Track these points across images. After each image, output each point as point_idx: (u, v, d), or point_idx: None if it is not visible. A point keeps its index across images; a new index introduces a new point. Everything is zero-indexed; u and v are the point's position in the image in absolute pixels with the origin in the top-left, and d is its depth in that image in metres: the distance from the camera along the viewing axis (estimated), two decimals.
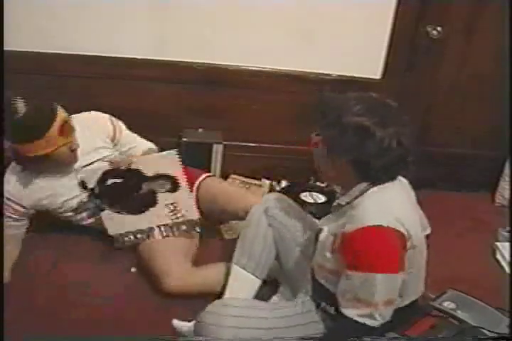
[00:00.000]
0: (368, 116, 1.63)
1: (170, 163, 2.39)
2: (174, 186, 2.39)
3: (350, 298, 1.68)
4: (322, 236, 1.81)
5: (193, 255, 2.35)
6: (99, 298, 2.20)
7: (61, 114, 2.17)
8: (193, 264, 2.28)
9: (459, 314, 2.05)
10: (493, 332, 1.94)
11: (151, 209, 2.37)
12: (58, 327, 2.06)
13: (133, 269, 2.37)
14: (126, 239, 2.34)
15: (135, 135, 2.55)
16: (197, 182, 2.51)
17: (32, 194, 2.30)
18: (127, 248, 2.37)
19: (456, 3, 2.69)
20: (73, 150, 2.26)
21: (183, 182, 2.39)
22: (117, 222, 2.34)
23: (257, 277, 2.08)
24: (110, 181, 2.34)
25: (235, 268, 2.08)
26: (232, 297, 2.03)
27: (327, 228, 1.80)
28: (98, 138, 2.39)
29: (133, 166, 2.35)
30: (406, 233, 1.65)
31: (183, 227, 2.37)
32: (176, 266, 2.21)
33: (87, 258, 2.40)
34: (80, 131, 2.27)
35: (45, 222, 2.43)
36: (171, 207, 2.37)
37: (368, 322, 1.68)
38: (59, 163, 2.27)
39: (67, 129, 2.18)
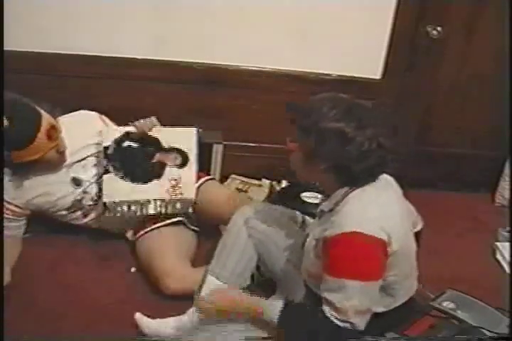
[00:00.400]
0: (345, 120, 1.60)
1: (188, 138, 2.42)
2: (184, 162, 2.40)
3: (325, 299, 1.67)
4: (307, 241, 1.82)
5: (192, 255, 2.36)
6: (98, 298, 2.20)
7: (46, 118, 2.16)
8: (192, 264, 2.28)
9: (459, 314, 2.05)
10: (492, 332, 1.95)
11: (154, 180, 2.36)
12: (58, 327, 2.05)
13: (133, 269, 2.37)
14: (118, 208, 2.31)
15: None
16: (196, 185, 2.49)
17: (24, 193, 2.28)
18: (118, 217, 2.34)
19: (456, 3, 2.69)
20: (61, 153, 2.25)
21: (194, 159, 2.41)
22: (116, 189, 2.31)
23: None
24: (126, 143, 2.34)
25: (209, 278, 2.07)
26: None
27: (312, 233, 1.81)
28: (88, 135, 2.39)
29: (154, 135, 2.37)
30: (386, 239, 1.62)
31: (178, 205, 2.36)
32: (176, 266, 2.21)
33: (86, 258, 2.40)
34: (69, 129, 2.27)
35: (44, 223, 2.42)
36: (173, 183, 2.36)
37: (339, 322, 1.65)
38: (48, 166, 2.26)
39: (54, 133, 2.17)
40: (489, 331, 1.95)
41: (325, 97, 1.69)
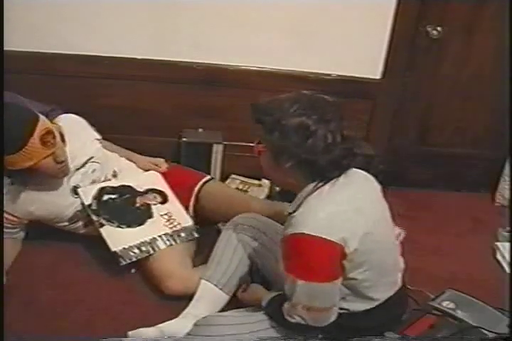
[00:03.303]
0: (306, 114, 1.62)
1: (155, 178, 2.49)
2: (164, 198, 2.43)
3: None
4: None
5: (192, 255, 2.36)
6: (99, 299, 2.20)
7: (43, 122, 2.07)
8: (192, 264, 2.28)
9: (459, 314, 2.06)
10: (492, 332, 1.95)
11: (149, 220, 2.36)
12: (58, 327, 2.05)
13: (133, 270, 2.36)
14: (131, 253, 2.26)
15: None
16: (197, 186, 2.49)
17: (24, 205, 2.24)
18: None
19: (456, 3, 2.68)
20: (60, 163, 2.15)
21: (170, 194, 2.45)
22: (119, 237, 2.29)
23: (221, 289, 2.08)
24: (106, 197, 2.35)
25: (201, 281, 2.10)
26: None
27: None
28: (84, 141, 2.37)
29: (124, 183, 2.41)
30: (338, 240, 1.63)
31: (183, 234, 2.35)
32: (178, 267, 2.21)
33: (86, 259, 2.39)
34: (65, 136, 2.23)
35: (44, 224, 2.41)
36: (166, 217, 2.38)
37: (287, 316, 1.76)
38: (47, 176, 2.19)
39: (50, 139, 2.06)
40: (489, 331, 1.95)
41: (286, 96, 1.71)
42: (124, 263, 2.24)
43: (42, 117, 2.10)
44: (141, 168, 2.53)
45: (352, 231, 1.66)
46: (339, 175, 1.70)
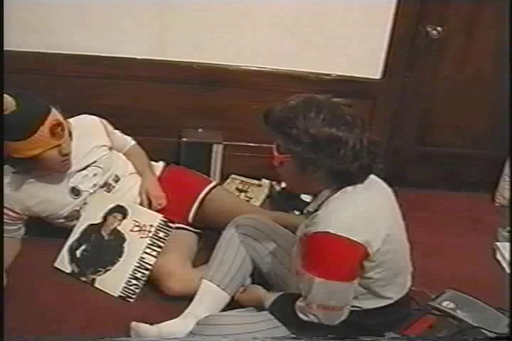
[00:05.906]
0: (336, 124, 1.61)
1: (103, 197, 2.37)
2: (123, 211, 2.33)
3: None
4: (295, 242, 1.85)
5: (193, 255, 2.35)
6: (99, 299, 2.20)
7: (55, 113, 2.10)
8: (192, 264, 2.28)
9: (459, 314, 2.06)
10: (492, 331, 1.95)
11: (125, 244, 2.27)
12: (58, 327, 2.05)
13: None
14: (132, 288, 2.21)
15: (117, 131, 2.51)
16: (203, 193, 2.47)
17: (23, 200, 2.25)
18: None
19: (456, 3, 2.69)
20: (64, 155, 2.16)
21: (123, 202, 2.35)
22: (112, 281, 2.23)
23: (223, 289, 2.07)
24: (78, 253, 2.30)
25: (203, 282, 2.09)
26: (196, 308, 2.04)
27: (298, 233, 1.84)
28: (92, 144, 2.35)
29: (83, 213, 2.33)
30: (362, 240, 1.64)
31: (161, 234, 2.27)
32: (178, 268, 2.20)
33: None
34: (74, 136, 2.22)
35: (44, 223, 2.40)
36: (137, 229, 2.28)
37: (301, 314, 1.76)
38: (49, 168, 2.19)
39: (59, 130, 2.10)
40: (489, 331, 1.96)
41: (300, 101, 1.68)
42: (133, 299, 2.20)
43: (54, 110, 2.12)
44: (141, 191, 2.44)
45: (375, 232, 1.67)
46: (367, 177, 1.71)
